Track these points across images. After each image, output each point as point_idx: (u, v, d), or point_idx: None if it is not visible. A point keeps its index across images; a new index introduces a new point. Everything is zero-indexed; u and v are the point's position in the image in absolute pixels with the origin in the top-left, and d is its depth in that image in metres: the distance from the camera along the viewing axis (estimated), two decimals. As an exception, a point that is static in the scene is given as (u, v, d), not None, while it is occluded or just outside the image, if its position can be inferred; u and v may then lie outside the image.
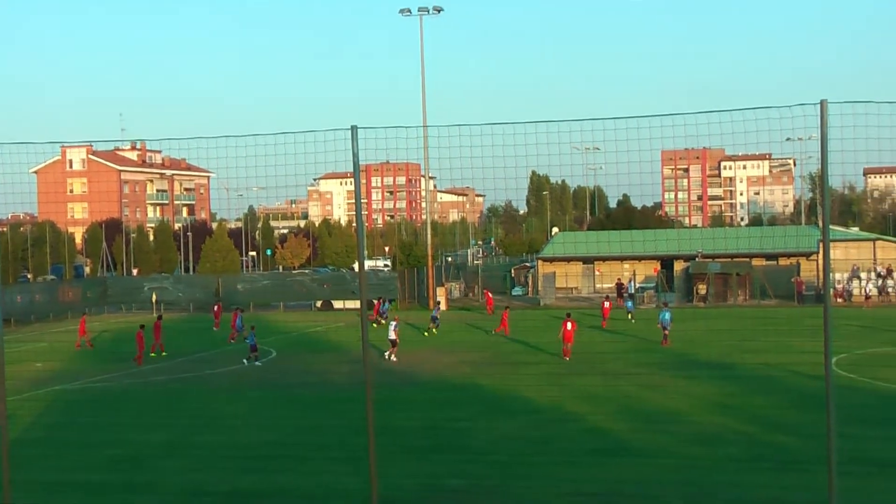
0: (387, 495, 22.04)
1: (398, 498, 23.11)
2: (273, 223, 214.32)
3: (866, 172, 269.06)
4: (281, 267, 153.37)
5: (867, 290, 79.94)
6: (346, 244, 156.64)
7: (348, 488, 24.31)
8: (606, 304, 67.14)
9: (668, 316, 54.12)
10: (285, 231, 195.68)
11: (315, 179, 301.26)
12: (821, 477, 19.75)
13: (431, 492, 24.16)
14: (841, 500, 17.69)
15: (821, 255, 17.73)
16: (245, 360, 49.22)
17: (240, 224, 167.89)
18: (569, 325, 49.02)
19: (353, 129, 19.32)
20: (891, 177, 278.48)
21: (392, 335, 50.23)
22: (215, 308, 73.52)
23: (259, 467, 27.16)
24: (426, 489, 24.39)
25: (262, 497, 24.10)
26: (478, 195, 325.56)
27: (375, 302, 72.63)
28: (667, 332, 53.52)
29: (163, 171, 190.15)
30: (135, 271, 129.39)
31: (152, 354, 52.74)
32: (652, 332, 57.67)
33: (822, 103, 17.59)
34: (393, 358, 49.44)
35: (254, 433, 32.25)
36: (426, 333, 61.54)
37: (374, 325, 64.35)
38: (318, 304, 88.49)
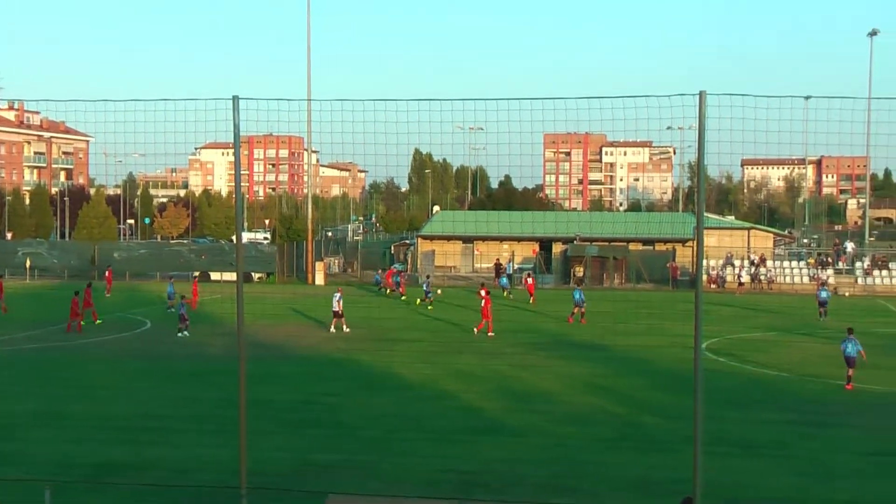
0: (257, 469, 21.97)
1: (269, 471, 23.04)
2: (153, 191, 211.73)
3: (743, 163, 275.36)
4: (159, 236, 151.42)
5: (740, 277, 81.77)
6: (226, 215, 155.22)
7: (219, 461, 24.14)
8: (530, 281, 68.91)
9: (579, 295, 55.89)
10: (165, 200, 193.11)
11: (196, 149, 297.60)
12: (685, 456, 20.20)
13: (302, 466, 24.12)
14: (704, 479, 18.08)
15: (695, 242, 17.95)
16: (184, 333, 48.37)
17: (118, 191, 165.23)
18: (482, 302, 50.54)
19: (235, 99, 19.12)
20: (767, 168, 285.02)
21: (336, 307, 50.72)
22: (107, 273, 73.23)
23: (130, 439, 26.84)
24: (297, 463, 24.34)
25: (132, 469, 23.80)
26: (360, 171, 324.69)
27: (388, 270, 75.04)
28: (582, 309, 55.34)
29: (41, 133, 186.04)
30: (9, 235, 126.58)
31: (83, 322, 51.56)
32: (528, 311, 58.29)
33: (701, 94, 17.89)
34: (332, 329, 50.52)
35: (126, 404, 31.81)
36: (430, 307, 62.48)
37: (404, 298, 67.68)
38: (196, 275, 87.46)
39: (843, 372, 35.94)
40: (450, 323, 54.38)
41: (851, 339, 35.72)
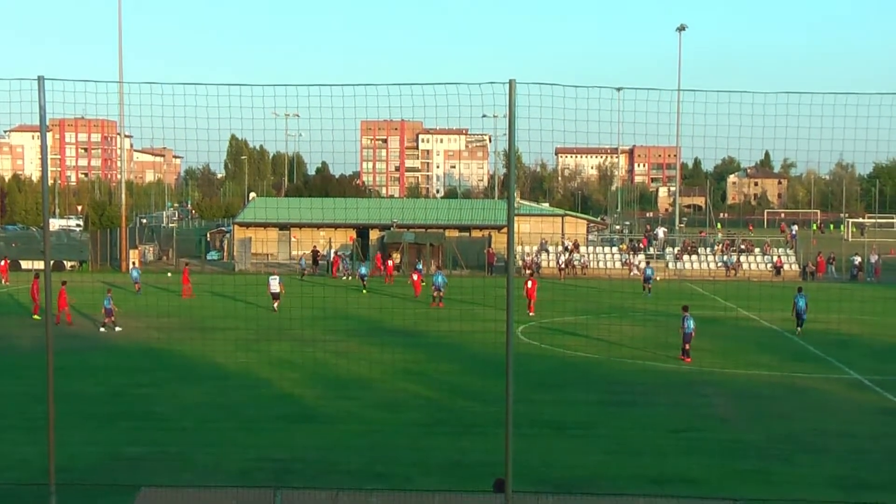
0: (66, 465, 21.51)
1: (77, 467, 22.56)
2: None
3: (558, 152, 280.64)
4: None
5: (560, 263, 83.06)
6: (37, 201, 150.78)
7: (26, 458, 23.54)
8: (390, 263, 73.07)
9: (441, 279, 58.83)
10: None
11: (5, 131, 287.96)
12: (498, 439, 20.52)
13: (112, 459, 23.68)
14: (515, 460, 18.41)
15: (508, 228, 18.20)
16: (105, 329, 46.91)
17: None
18: (529, 283, 54.26)
19: (40, 79, 18.62)
20: (581, 157, 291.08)
21: (277, 288, 54.93)
22: (2, 263, 70.88)
23: (-70, 436, 25.95)
24: (107, 457, 23.87)
25: (-68, 466, 23.04)
26: (175, 156, 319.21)
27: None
28: (442, 293, 58.15)
29: None
30: None
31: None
32: (349, 298, 58.30)
33: (511, 82, 18.14)
34: (276, 310, 54.13)
35: (-74, 400, 30.74)
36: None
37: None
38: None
39: (652, 353, 37.07)
40: (267, 310, 54.00)
41: (689, 317, 37.53)
